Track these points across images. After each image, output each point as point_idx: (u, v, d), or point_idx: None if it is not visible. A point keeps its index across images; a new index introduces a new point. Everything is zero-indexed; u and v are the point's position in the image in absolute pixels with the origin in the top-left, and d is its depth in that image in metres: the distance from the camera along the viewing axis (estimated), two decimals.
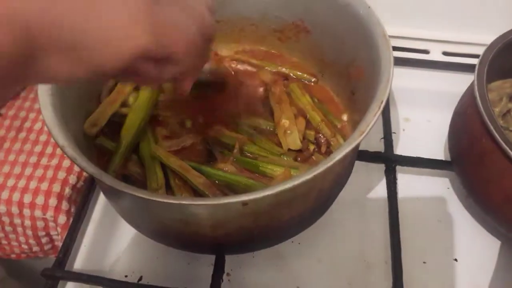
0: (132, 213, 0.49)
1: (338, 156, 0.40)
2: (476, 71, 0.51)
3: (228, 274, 0.56)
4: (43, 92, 0.44)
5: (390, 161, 0.61)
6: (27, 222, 0.60)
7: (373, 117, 0.42)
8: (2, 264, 0.80)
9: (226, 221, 0.44)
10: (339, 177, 0.51)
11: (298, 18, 0.61)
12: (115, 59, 0.29)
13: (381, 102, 0.43)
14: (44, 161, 0.62)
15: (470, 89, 0.54)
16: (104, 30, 0.28)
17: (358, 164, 0.61)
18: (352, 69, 0.57)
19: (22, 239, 0.63)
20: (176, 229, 0.45)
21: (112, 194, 0.48)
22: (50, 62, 0.27)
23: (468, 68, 0.73)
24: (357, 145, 0.41)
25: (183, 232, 0.46)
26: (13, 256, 0.67)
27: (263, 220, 0.45)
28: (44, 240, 0.63)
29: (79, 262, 0.57)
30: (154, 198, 0.38)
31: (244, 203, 0.39)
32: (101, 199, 0.62)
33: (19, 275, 0.82)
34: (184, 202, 0.38)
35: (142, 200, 0.38)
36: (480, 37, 0.74)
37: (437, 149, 0.67)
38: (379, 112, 0.42)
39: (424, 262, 0.57)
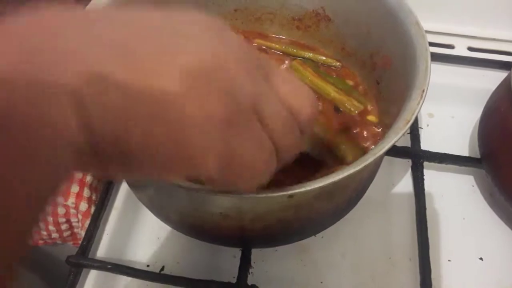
0: (162, 204, 0.48)
1: (386, 146, 0.39)
2: None
3: (251, 267, 0.55)
4: None
5: (417, 157, 0.60)
6: (48, 208, 0.59)
7: (416, 106, 0.41)
8: None
9: (267, 214, 0.43)
10: (375, 167, 0.51)
11: (319, 5, 0.60)
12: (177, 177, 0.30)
13: (423, 91, 0.42)
14: None
15: (505, 83, 0.53)
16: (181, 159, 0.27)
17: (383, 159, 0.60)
18: (377, 58, 0.56)
19: (41, 225, 0.62)
20: (212, 223, 0.44)
21: (142, 185, 0.47)
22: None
23: (493, 64, 0.73)
24: (403, 135, 0.40)
25: (219, 226, 0.45)
26: None
27: (303, 212, 0.45)
28: (63, 227, 0.62)
29: (101, 250, 0.56)
30: (199, 190, 0.36)
31: (290, 196, 0.38)
32: (124, 186, 0.61)
33: (35, 262, 0.82)
34: (232, 195, 0.37)
35: (181, 192, 0.37)
36: (507, 33, 0.73)
37: (461, 146, 0.66)
38: (422, 101, 0.41)
39: (449, 260, 0.56)
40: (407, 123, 0.40)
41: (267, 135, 0.30)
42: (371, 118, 0.56)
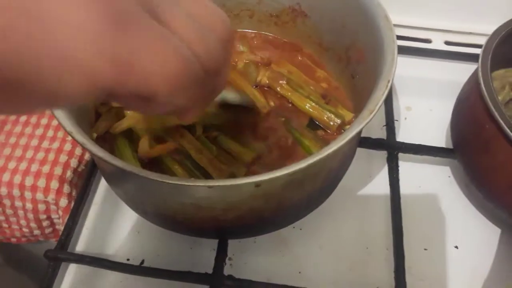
0: (138, 198, 0.49)
1: (349, 135, 0.40)
2: (480, 58, 0.51)
3: (230, 259, 0.56)
4: None
5: (392, 148, 0.61)
6: (28, 205, 0.60)
7: (381, 96, 0.42)
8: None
9: (238, 204, 0.44)
10: (346, 158, 0.52)
11: (295, 1, 0.61)
12: (70, 94, 0.24)
13: (388, 81, 0.43)
14: (45, 144, 0.61)
15: (474, 75, 0.54)
16: (58, 61, 0.23)
17: (359, 151, 0.61)
18: (352, 52, 0.57)
19: (23, 222, 0.63)
20: (185, 213, 0.45)
21: (117, 179, 0.48)
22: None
23: (470, 57, 0.74)
24: (365, 125, 0.41)
25: (193, 217, 0.45)
26: (13, 240, 0.67)
27: (274, 201, 0.45)
28: (45, 223, 0.62)
29: (81, 245, 0.57)
30: (168, 181, 0.37)
31: (257, 185, 0.39)
32: (103, 182, 0.62)
33: (17, 261, 0.82)
34: (198, 184, 0.38)
35: (153, 183, 0.37)
36: (483, 27, 0.75)
37: (439, 138, 0.67)
38: (387, 91, 0.42)
39: (425, 249, 0.57)
40: (371, 113, 0.41)
41: (177, 40, 0.27)
42: None
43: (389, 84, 0.44)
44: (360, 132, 0.42)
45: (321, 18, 0.60)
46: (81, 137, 0.41)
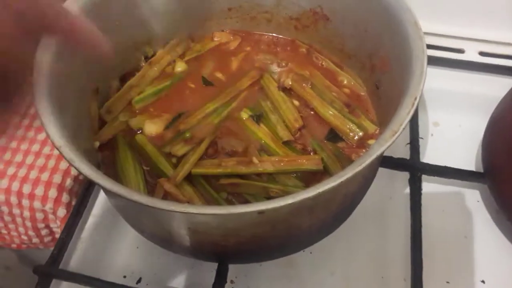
0: (136, 218, 0.45)
1: (367, 160, 0.35)
2: None
3: (232, 282, 0.52)
4: (40, 86, 0.40)
5: (415, 170, 0.56)
6: (26, 213, 0.57)
7: (406, 116, 0.38)
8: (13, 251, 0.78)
9: (239, 230, 0.40)
10: (364, 181, 0.47)
11: (317, 4, 0.57)
12: None
13: (415, 99, 0.39)
14: (46, 150, 0.59)
15: (510, 94, 0.48)
16: None
17: (380, 171, 0.56)
18: (376, 60, 0.52)
19: (21, 229, 0.60)
20: (182, 237, 0.42)
21: (112, 197, 0.45)
22: None
23: (507, 71, 0.68)
24: (388, 147, 0.37)
25: (190, 241, 0.42)
26: (13, 246, 0.65)
27: (280, 228, 0.41)
28: (43, 232, 0.60)
29: (76, 259, 0.54)
30: (158, 206, 0.34)
31: (260, 212, 0.35)
32: (102, 193, 0.59)
33: (29, 263, 0.80)
34: (193, 211, 0.34)
35: (145, 207, 0.34)
36: None
37: (468, 158, 0.61)
38: (413, 110, 0.38)
39: (447, 282, 0.52)
40: (394, 135, 0.37)
41: None
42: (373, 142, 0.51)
43: (416, 102, 0.39)
44: (381, 154, 0.37)
45: (343, 22, 0.56)
46: (69, 152, 0.37)
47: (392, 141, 0.37)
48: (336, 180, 0.34)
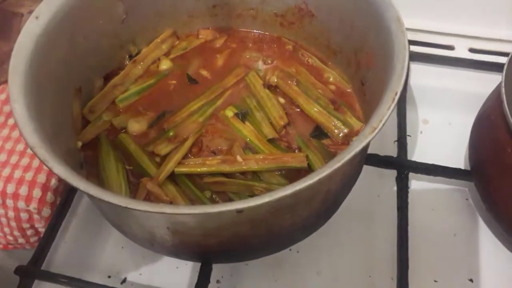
0: (116, 218, 0.45)
1: (346, 157, 0.35)
2: (504, 71, 0.45)
3: (218, 282, 0.52)
4: (15, 86, 0.40)
5: (402, 167, 0.55)
6: (11, 213, 0.57)
7: (386, 111, 0.37)
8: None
9: (219, 230, 0.40)
10: (347, 178, 0.47)
11: (302, 0, 0.56)
12: None
13: (395, 94, 0.38)
14: None
15: (497, 91, 0.48)
16: None
17: (367, 169, 0.56)
18: (361, 56, 0.52)
19: (6, 230, 0.59)
20: (163, 237, 0.41)
21: (90, 199, 0.44)
22: None
23: (497, 67, 0.67)
24: (368, 144, 0.37)
25: (171, 241, 0.41)
26: (0, 246, 0.64)
27: (261, 227, 0.41)
28: (29, 232, 0.59)
29: (60, 259, 0.53)
30: (133, 207, 0.33)
31: (239, 211, 0.34)
32: None
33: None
34: (168, 211, 0.33)
35: (121, 208, 0.33)
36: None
37: (458, 156, 0.61)
38: (393, 105, 0.37)
39: (435, 281, 0.52)
40: (373, 131, 0.36)
41: None
42: None
43: (397, 97, 0.38)
44: (362, 151, 0.37)
45: (329, 18, 0.55)
46: (44, 152, 0.36)
47: (372, 137, 0.36)
48: (314, 177, 0.34)
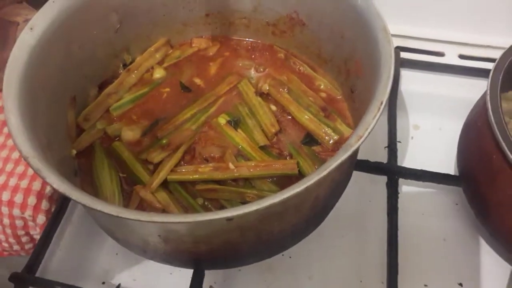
0: (109, 226, 0.46)
1: (333, 164, 0.36)
2: (489, 78, 0.46)
3: (211, 287, 0.52)
4: (10, 97, 0.40)
5: (392, 173, 0.56)
6: (6, 221, 0.57)
7: (372, 120, 0.38)
8: None
9: (210, 237, 0.41)
10: (335, 185, 0.47)
11: (293, 10, 0.57)
12: None
13: (381, 103, 0.39)
14: None
15: (483, 98, 0.48)
16: None
17: (358, 175, 0.56)
18: (350, 64, 0.53)
19: (1, 237, 0.60)
20: (155, 244, 0.42)
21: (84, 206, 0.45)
22: None
23: (487, 73, 0.66)
24: (354, 152, 0.37)
25: (163, 248, 0.42)
26: None
27: (251, 234, 0.42)
28: (24, 239, 0.60)
29: (54, 266, 0.54)
30: (124, 216, 0.34)
31: (229, 219, 0.35)
32: None
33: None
34: (157, 219, 0.34)
35: (113, 216, 0.34)
36: (501, 40, 0.68)
37: (448, 161, 0.61)
38: (379, 114, 0.38)
39: (425, 285, 0.52)
40: (359, 139, 0.37)
41: None
42: None
43: (382, 106, 0.39)
44: (349, 159, 0.37)
45: (319, 28, 0.56)
46: (37, 162, 0.37)
47: (357, 146, 0.37)
48: (301, 185, 0.34)
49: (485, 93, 0.46)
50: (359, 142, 0.37)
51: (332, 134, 0.52)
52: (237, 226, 0.38)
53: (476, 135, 0.48)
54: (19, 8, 0.75)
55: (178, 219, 0.34)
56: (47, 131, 0.45)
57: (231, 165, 0.49)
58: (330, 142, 0.52)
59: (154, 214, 0.33)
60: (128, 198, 0.48)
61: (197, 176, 0.49)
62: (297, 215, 0.43)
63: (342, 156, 0.36)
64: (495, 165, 0.43)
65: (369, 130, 0.37)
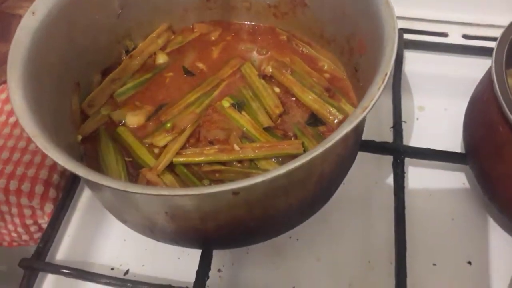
0: (116, 206, 0.46)
1: (337, 136, 0.35)
2: (494, 54, 0.45)
3: (219, 270, 0.52)
4: (14, 78, 0.41)
5: (398, 153, 0.56)
6: (14, 210, 0.57)
7: (376, 91, 0.38)
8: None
9: (216, 213, 0.40)
10: (341, 160, 0.47)
11: None
12: None
13: (385, 75, 0.39)
14: (32, 146, 0.59)
15: (488, 73, 0.48)
16: None
17: (364, 156, 0.56)
18: (353, 43, 0.53)
19: (10, 227, 0.60)
20: (162, 223, 0.42)
21: (91, 187, 0.45)
22: None
23: (490, 52, 0.66)
24: (360, 123, 0.37)
25: (170, 226, 0.42)
26: (4, 244, 0.65)
27: (258, 209, 0.42)
28: (32, 228, 0.60)
29: (62, 253, 0.54)
30: (131, 190, 0.34)
31: (235, 192, 0.35)
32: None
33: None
34: (165, 193, 0.34)
35: (120, 192, 0.34)
36: (505, 18, 0.68)
37: (454, 141, 0.61)
38: (383, 85, 0.38)
39: (434, 264, 0.52)
40: (364, 110, 0.37)
41: None
42: None
43: (386, 78, 0.39)
44: (354, 131, 0.37)
45: (321, 7, 0.56)
46: (44, 142, 0.37)
47: (363, 116, 0.37)
48: (306, 157, 0.34)
49: (490, 68, 0.45)
50: (365, 113, 0.37)
51: (337, 113, 0.52)
52: (243, 200, 0.38)
53: (482, 109, 0.47)
54: (21, 1, 0.75)
55: (185, 192, 0.34)
56: (53, 117, 0.45)
57: (236, 147, 0.49)
58: (335, 122, 0.52)
59: (161, 188, 0.33)
60: (134, 181, 0.48)
61: (202, 158, 0.49)
62: (303, 191, 0.43)
63: (347, 127, 0.36)
64: (502, 136, 0.43)
65: (374, 101, 0.37)
